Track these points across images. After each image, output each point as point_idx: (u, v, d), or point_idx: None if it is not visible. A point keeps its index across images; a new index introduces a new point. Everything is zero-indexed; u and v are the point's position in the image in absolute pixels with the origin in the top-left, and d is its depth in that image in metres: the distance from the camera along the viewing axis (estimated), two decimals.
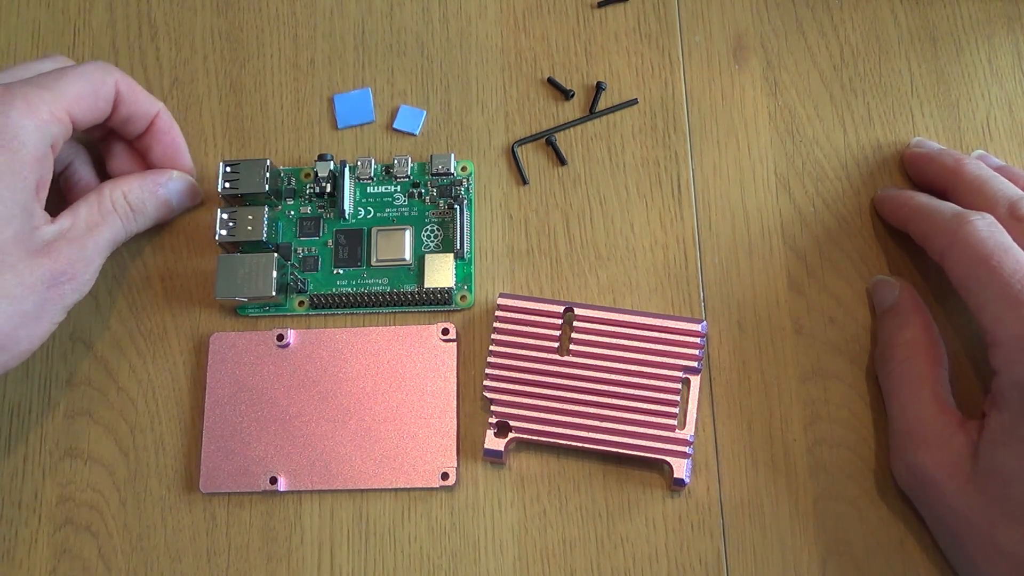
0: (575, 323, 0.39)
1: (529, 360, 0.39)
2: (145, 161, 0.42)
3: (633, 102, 0.43)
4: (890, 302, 0.39)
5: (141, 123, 0.41)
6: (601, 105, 0.43)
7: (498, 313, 0.39)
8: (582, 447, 0.38)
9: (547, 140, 0.43)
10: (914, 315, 0.38)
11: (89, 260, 0.38)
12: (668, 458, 0.37)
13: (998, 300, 0.33)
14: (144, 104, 0.40)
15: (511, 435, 0.38)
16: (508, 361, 0.39)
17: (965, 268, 0.35)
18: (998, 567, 0.33)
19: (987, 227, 0.34)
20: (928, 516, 0.36)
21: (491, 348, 0.39)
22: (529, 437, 0.38)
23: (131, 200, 0.40)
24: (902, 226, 0.39)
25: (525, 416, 0.38)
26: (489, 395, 0.38)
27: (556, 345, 0.39)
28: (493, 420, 0.38)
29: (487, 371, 0.39)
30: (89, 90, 0.38)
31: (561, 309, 0.39)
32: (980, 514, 0.33)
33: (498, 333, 0.39)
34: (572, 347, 0.39)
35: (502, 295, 0.40)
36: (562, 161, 0.43)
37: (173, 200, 0.41)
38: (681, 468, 0.37)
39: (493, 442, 0.38)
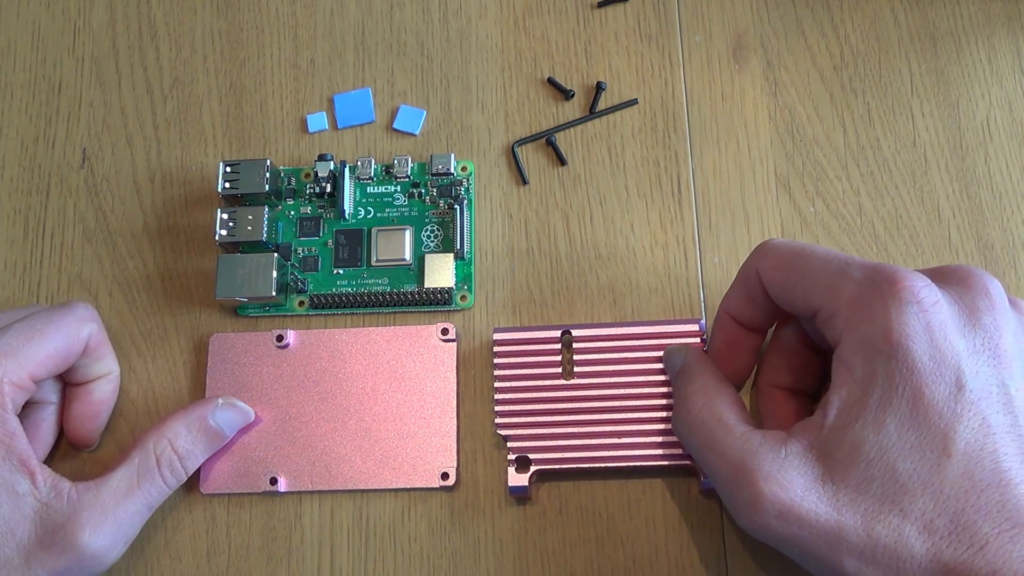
0: (575, 345, 0.39)
1: (536, 390, 0.38)
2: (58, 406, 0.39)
3: (633, 102, 0.43)
4: (679, 365, 0.37)
5: (87, 376, 0.39)
6: (601, 105, 0.43)
7: (496, 349, 0.39)
8: (605, 467, 0.37)
9: (547, 140, 0.43)
10: (702, 367, 0.36)
11: (115, 537, 0.35)
12: (692, 462, 0.37)
13: (824, 276, 0.32)
14: (104, 363, 0.39)
15: (533, 468, 0.37)
16: (515, 395, 0.38)
17: (783, 273, 0.33)
18: (877, 562, 0.29)
19: (785, 240, 0.35)
20: (802, 557, 0.31)
21: (495, 385, 0.39)
22: (552, 467, 0.37)
23: (179, 447, 0.37)
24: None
25: (543, 447, 0.38)
26: (503, 432, 0.38)
27: (559, 370, 0.39)
28: (512, 456, 0.38)
29: (496, 408, 0.38)
30: (60, 348, 0.36)
31: (558, 333, 0.39)
32: (851, 512, 0.29)
33: (500, 368, 0.39)
34: (576, 369, 0.38)
35: (497, 330, 0.39)
36: (562, 161, 0.43)
37: (226, 429, 0.38)
38: None
39: (516, 479, 0.37)
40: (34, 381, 0.36)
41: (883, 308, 0.30)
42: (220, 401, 0.38)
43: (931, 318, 0.30)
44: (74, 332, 0.37)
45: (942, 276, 0.32)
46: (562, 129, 0.43)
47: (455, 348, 0.40)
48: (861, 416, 0.30)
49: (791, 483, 0.30)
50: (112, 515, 0.35)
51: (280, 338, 0.40)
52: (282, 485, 0.39)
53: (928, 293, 0.31)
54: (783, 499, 0.30)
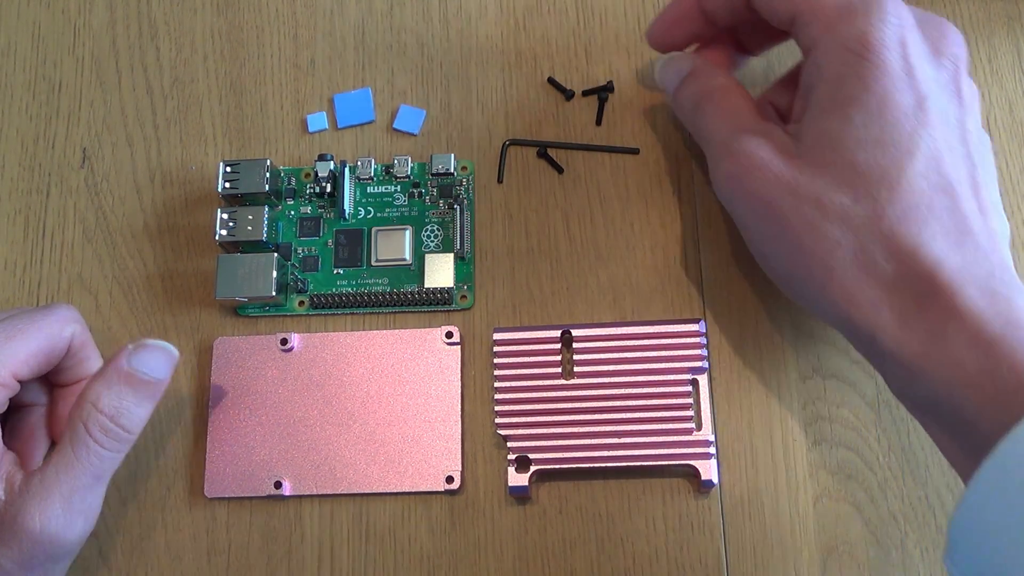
0: (574, 345, 0.39)
1: (536, 390, 0.38)
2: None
3: (634, 151, 0.43)
4: (687, 69, 0.39)
5: (73, 377, 0.38)
6: (606, 111, 0.43)
7: (496, 349, 0.39)
8: (605, 467, 0.37)
9: (539, 153, 0.43)
10: (718, 69, 0.38)
11: (68, 517, 0.34)
12: (693, 462, 0.37)
13: None
14: (89, 364, 0.38)
15: (533, 468, 0.38)
16: (516, 395, 0.38)
17: None
18: (825, 236, 0.32)
19: None
20: (750, 210, 0.34)
21: (495, 385, 0.39)
22: (551, 467, 0.38)
23: (103, 407, 0.35)
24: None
25: (543, 447, 0.38)
26: (503, 432, 0.38)
27: (559, 370, 0.39)
28: (512, 456, 0.38)
29: (496, 408, 0.38)
30: (43, 348, 0.36)
31: (558, 334, 0.39)
32: (808, 185, 0.32)
33: (500, 368, 0.39)
34: (576, 369, 0.39)
35: (496, 330, 0.39)
36: (558, 170, 0.42)
37: (148, 371, 0.35)
38: (708, 470, 0.37)
39: (516, 479, 0.37)
40: (17, 380, 0.35)
41: (864, 16, 0.33)
42: (130, 346, 0.36)
43: (906, 35, 0.33)
44: (56, 332, 0.36)
45: (919, 15, 0.35)
46: (557, 147, 0.43)
47: (459, 351, 0.40)
48: (830, 110, 0.33)
49: (768, 145, 0.34)
50: (58, 495, 0.34)
51: (284, 342, 0.40)
52: (286, 489, 0.39)
53: (907, 15, 0.33)
54: (758, 155, 0.34)
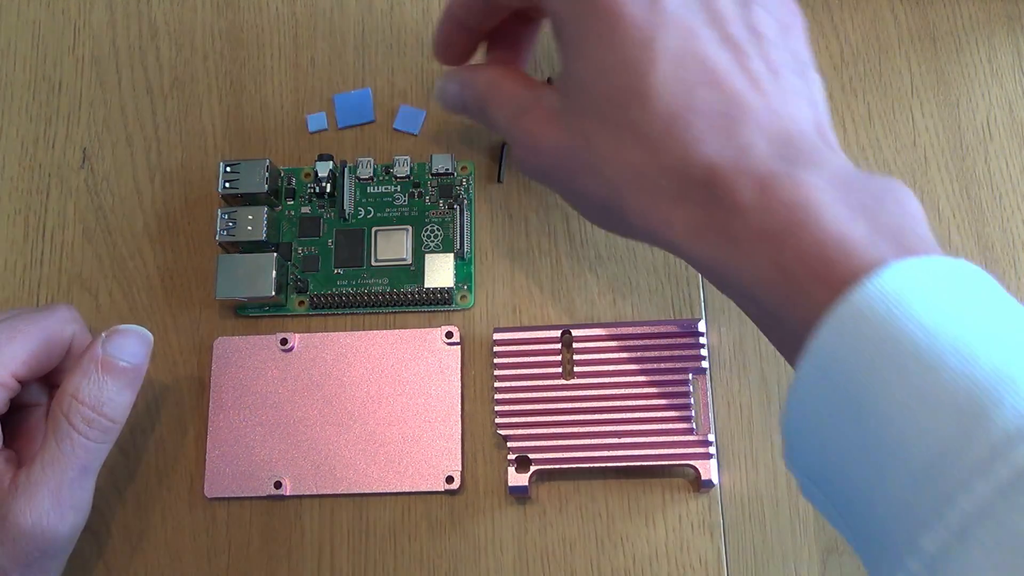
0: (574, 345, 0.39)
1: (536, 390, 0.38)
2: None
3: None
4: (455, 85, 0.38)
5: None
6: None
7: (496, 348, 0.39)
8: (605, 467, 0.38)
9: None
10: (480, 67, 0.38)
11: (59, 511, 0.34)
12: (693, 462, 0.37)
13: None
14: None
15: (533, 468, 0.37)
16: (516, 395, 0.38)
17: None
18: (607, 177, 0.31)
19: None
20: (548, 182, 0.35)
21: (495, 385, 0.39)
22: (551, 467, 0.38)
23: (83, 398, 0.34)
24: None
25: (543, 447, 0.38)
26: (503, 432, 0.38)
27: (560, 370, 0.39)
28: (512, 456, 0.38)
29: (496, 408, 0.38)
30: (43, 348, 0.36)
31: (558, 333, 0.39)
32: (578, 137, 0.32)
33: (500, 368, 0.39)
34: (576, 369, 0.38)
35: (497, 330, 0.39)
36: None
37: (125, 357, 0.35)
38: (708, 470, 0.37)
39: (516, 478, 0.37)
40: (17, 380, 0.35)
41: None
42: (104, 334, 0.35)
43: None
44: (57, 332, 0.36)
45: None
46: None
47: (459, 352, 0.40)
48: (570, 54, 0.32)
49: (536, 124, 0.34)
50: (47, 490, 0.34)
51: (284, 342, 0.40)
52: (286, 489, 0.39)
53: None
54: (532, 132, 0.34)
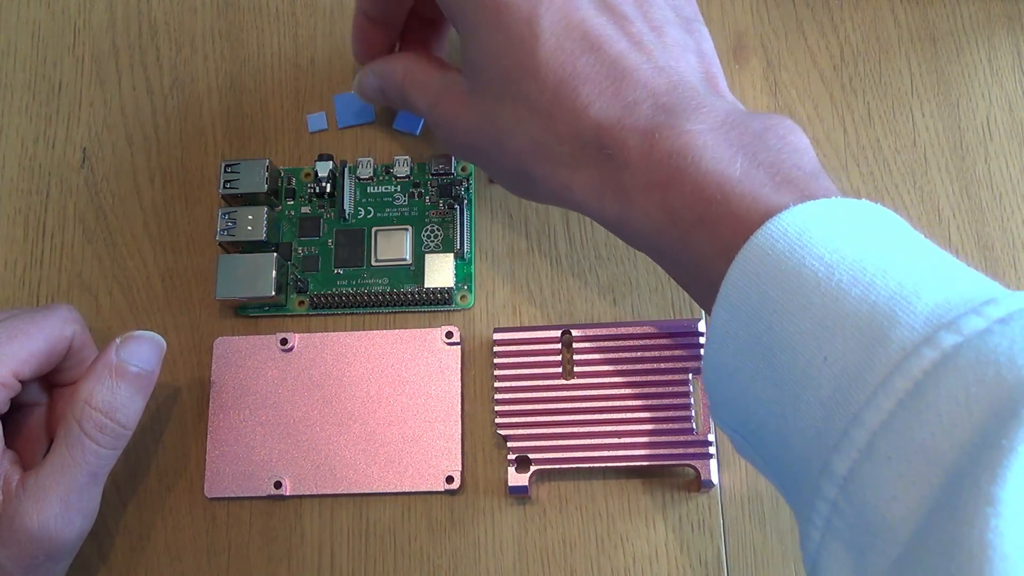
0: (574, 344, 0.39)
1: (536, 390, 0.38)
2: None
3: None
4: (374, 78, 0.40)
5: (73, 377, 0.38)
6: None
7: (496, 348, 0.39)
8: (605, 467, 0.38)
9: None
10: (395, 57, 0.39)
11: (66, 516, 0.34)
12: (693, 462, 0.37)
13: None
14: (90, 362, 0.37)
15: (533, 468, 0.38)
16: (516, 395, 0.38)
17: None
18: (512, 149, 0.33)
19: None
20: (470, 160, 0.37)
21: (495, 385, 0.39)
22: (551, 467, 0.38)
23: (97, 404, 0.34)
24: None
25: (543, 447, 0.38)
26: (503, 432, 0.38)
27: (560, 370, 0.39)
28: (512, 456, 0.38)
29: (496, 408, 0.38)
30: (44, 348, 0.36)
31: (558, 333, 0.39)
32: (483, 116, 0.34)
33: (500, 368, 0.39)
34: (576, 369, 0.38)
35: (497, 330, 0.39)
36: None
37: (139, 363, 0.36)
38: (708, 470, 0.37)
39: (516, 478, 0.37)
40: (18, 380, 0.35)
41: None
42: (118, 340, 0.36)
43: None
44: (58, 332, 0.36)
45: None
46: None
47: (459, 352, 0.40)
48: (465, 37, 0.33)
49: (449, 107, 0.35)
50: (55, 495, 0.34)
51: (284, 342, 0.40)
52: (286, 489, 0.39)
53: None
54: (443, 112, 0.35)
